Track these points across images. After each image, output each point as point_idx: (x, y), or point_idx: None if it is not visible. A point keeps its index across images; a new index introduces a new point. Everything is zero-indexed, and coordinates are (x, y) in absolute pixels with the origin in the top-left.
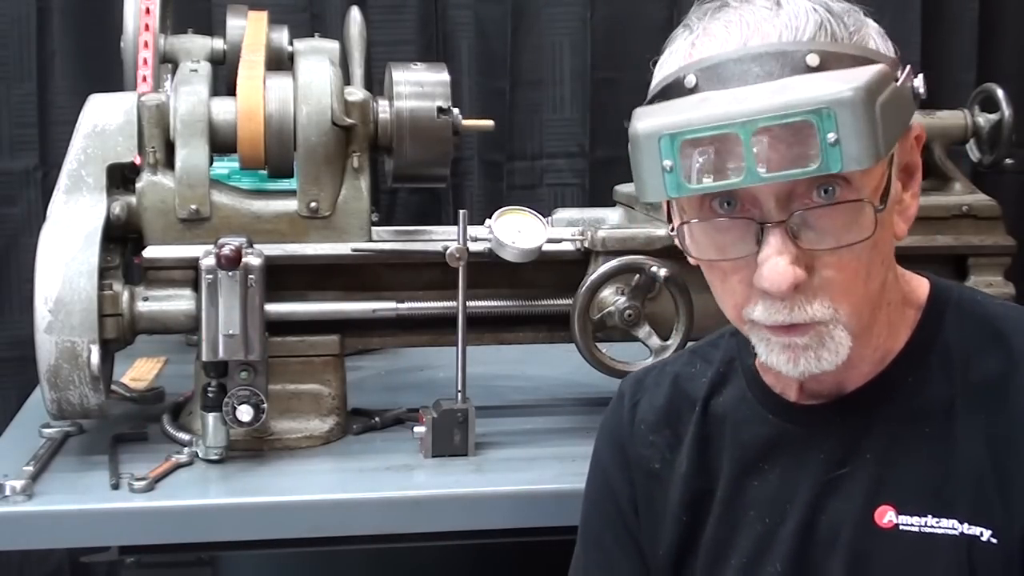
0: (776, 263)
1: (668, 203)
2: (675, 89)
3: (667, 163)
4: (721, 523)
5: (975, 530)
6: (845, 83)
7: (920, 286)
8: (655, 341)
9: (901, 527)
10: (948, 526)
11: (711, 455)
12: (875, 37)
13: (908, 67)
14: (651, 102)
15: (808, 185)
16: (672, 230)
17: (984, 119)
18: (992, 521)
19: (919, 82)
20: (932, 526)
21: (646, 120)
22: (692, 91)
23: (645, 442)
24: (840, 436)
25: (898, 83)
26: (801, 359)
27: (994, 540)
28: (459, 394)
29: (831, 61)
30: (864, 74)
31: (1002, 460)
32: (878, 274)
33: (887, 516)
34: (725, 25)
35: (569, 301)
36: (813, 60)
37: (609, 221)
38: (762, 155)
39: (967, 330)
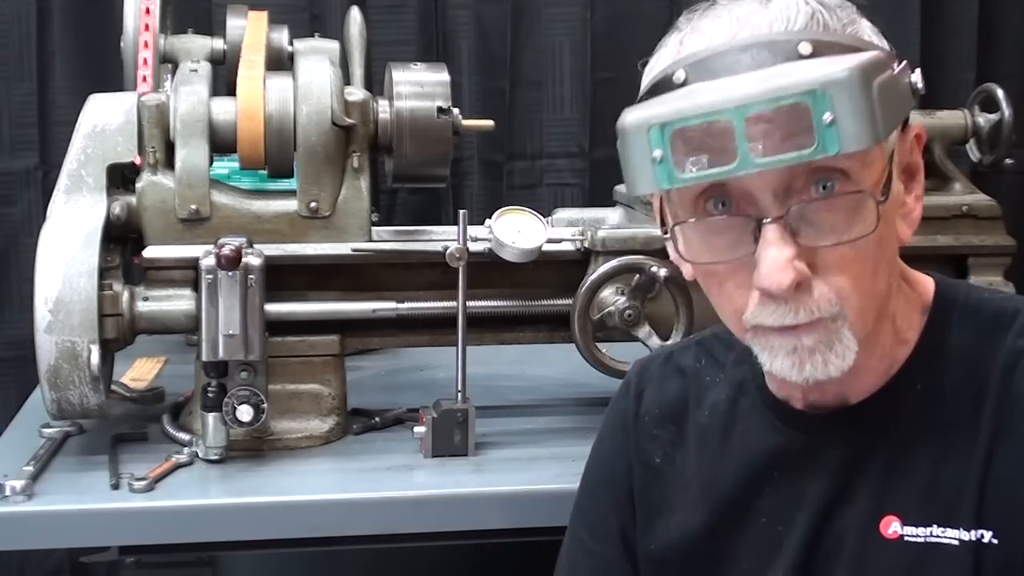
0: (776, 259)
1: (661, 207)
2: (664, 85)
3: (657, 153)
4: (728, 527)
5: (978, 533)
6: (839, 65)
7: (926, 289)
8: (655, 341)
9: (906, 538)
10: (953, 535)
11: (719, 457)
12: (869, 32)
13: (904, 62)
14: (641, 101)
15: (806, 180)
16: (665, 232)
17: (984, 119)
18: (995, 523)
19: (917, 77)
20: (938, 536)
21: (634, 112)
22: (682, 85)
23: (648, 435)
24: (848, 446)
25: (895, 71)
26: (807, 364)
27: (995, 540)
28: (459, 394)
29: (824, 49)
30: (859, 57)
31: (1007, 460)
32: (883, 275)
33: (892, 527)
34: (713, 20)
35: (569, 301)
36: (805, 48)
37: (609, 221)
38: (756, 141)
39: (975, 332)
